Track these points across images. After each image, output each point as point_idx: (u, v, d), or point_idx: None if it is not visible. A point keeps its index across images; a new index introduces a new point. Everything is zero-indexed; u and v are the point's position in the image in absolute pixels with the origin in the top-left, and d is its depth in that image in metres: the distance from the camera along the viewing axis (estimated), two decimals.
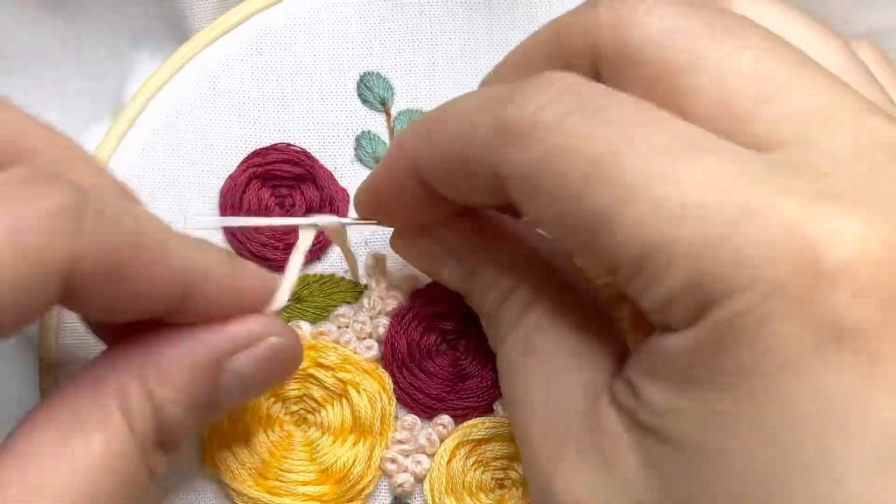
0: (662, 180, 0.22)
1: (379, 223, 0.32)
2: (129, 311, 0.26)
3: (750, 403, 0.22)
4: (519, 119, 0.24)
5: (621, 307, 0.32)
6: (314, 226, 0.31)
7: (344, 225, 0.32)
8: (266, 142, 0.35)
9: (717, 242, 0.22)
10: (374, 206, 0.31)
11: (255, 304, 0.29)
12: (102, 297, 0.25)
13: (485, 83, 0.32)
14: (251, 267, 0.29)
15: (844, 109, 0.24)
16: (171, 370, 0.27)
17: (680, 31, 0.25)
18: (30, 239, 0.22)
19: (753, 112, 0.25)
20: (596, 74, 0.27)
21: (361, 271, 0.35)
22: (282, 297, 0.30)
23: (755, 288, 0.21)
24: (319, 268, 0.35)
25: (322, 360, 0.33)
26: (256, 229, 0.34)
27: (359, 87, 0.36)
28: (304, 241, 0.31)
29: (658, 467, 0.24)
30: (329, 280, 0.34)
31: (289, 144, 0.35)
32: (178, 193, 0.35)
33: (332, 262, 0.35)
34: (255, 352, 0.28)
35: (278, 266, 0.34)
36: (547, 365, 0.28)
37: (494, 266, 0.30)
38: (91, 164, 0.28)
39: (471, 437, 0.33)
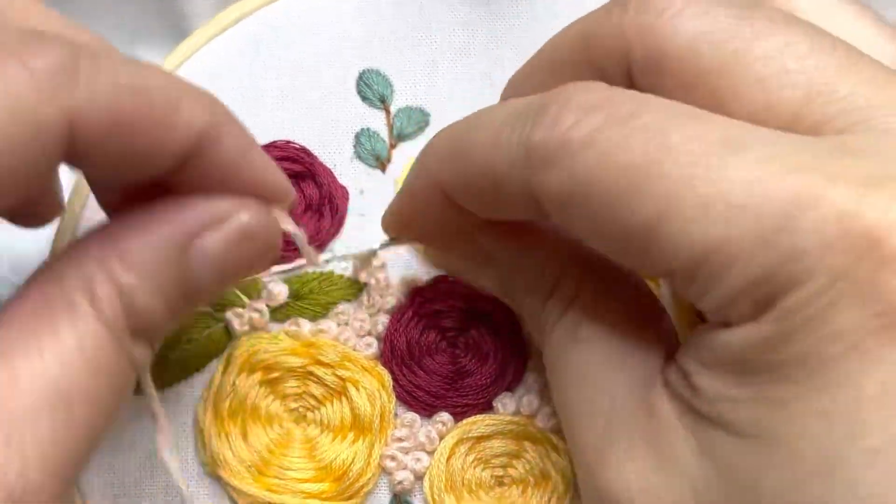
0: (707, 181, 0.22)
1: (409, 242, 0.32)
2: (136, 168, 0.25)
3: (813, 389, 0.22)
4: (548, 141, 0.24)
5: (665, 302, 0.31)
6: (348, 257, 0.32)
7: (377, 251, 0.32)
8: (265, 139, 0.35)
9: (773, 237, 0.22)
10: (402, 227, 0.31)
11: (268, 193, 0.27)
12: (109, 153, 0.24)
13: (509, 87, 0.31)
14: (272, 161, 0.28)
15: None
16: (134, 254, 0.25)
17: (716, 32, 0.25)
18: (21, 99, 0.22)
19: (800, 112, 0.24)
20: (629, 78, 0.26)
21: (363, 274, 0.35)
22: (292, 195, 0.28)
23: (817, 277, 0.21)
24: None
25: (321, 358, 0.33)
26: None
27: (358, 84, 0.36)
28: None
29: (714, 454, 0.24)
30: (328, 277, 0.34)
31: (288, 141, 0.35)
32: None
33: (331, 259, 0.35)
34: (225, 231, 0.26)
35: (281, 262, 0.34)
36: (594, 354, 0.27)
37: (533, 267, 0.29)
38: (83, 29, 0.27)
39: (470, 435, 0.33)
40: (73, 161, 0.24)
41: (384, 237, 0.32)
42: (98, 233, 0.26)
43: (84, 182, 0.34)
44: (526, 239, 0.30)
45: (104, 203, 0.29)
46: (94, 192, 0.29)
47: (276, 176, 0.28)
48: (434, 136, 0.29)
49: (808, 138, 0.23)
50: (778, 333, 0.22)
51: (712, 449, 0.24)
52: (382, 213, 0.35)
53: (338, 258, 0.32)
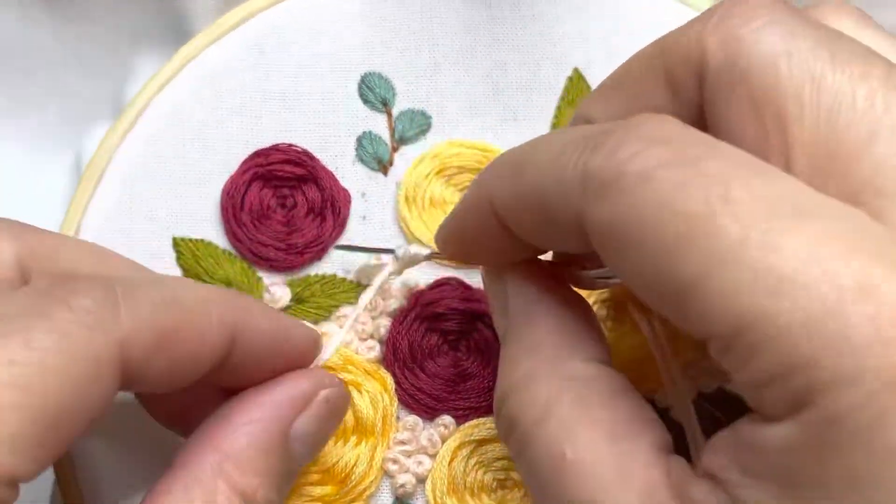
0: (762, 248, 0.20)
1: (456, 260, 0.32)
2: (185, 376, 0.26)
3: None
4: (605, 169, 0.22)
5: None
6: (402, 260, 0.32)
7: (425, 259, 0.32)
8: (268, 142, 0.35)
9: (820, 322, 0.19)
10: (451, 244, 0.30)
11: (302, 355, 0.30)
12: (158, 369, 0.25)
13: (581, 104, 0.30)
14: (292, 318, 0.30)
15: None
16: (248, 457, 0.27)
17: (795, 53, 0.24)
18: (74, 339, 0.24)
19: (861, 152, 0.23)
20: (698, 87, 0.26)
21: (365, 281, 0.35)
22: (330, 349, 0.31)
23: (867, 380, 0.19)
24: (320, 268, 0.35)
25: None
26: (258, 229, 0.34)
27: (360, 87, 0.36)
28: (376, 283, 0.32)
29: None
30: (330, 280, 0.34)
31: (290, 145, 0.35)
32: (181, 194, 0.35)
33: (333, 263, 0.35)
34: (313, 410, 0.29)
35: (279, 267, 0.34)
36: (585, 475, 0.24)
37: (527, 339, 0.27)
38: (106, 255, 0.30)
39: (472, 438, 0.33)
40: (128, 384, 0.25)
41: (418, 247, 0.32)
42: (207, 437, 0.28)
43: (86, 184, 0.34)
44: (540, 301, 0.28)
45: (157, 416, 0.31)
46: (146, 408, 0.31)
47: (304, 332, 0.30)
48: (496, 157, 0.28)
49: (876, 224, 0.22)
50: (818, 439, 0.20)
51: None
52: (384, 215, 0.35)
53: (395, 259, 0.32)
